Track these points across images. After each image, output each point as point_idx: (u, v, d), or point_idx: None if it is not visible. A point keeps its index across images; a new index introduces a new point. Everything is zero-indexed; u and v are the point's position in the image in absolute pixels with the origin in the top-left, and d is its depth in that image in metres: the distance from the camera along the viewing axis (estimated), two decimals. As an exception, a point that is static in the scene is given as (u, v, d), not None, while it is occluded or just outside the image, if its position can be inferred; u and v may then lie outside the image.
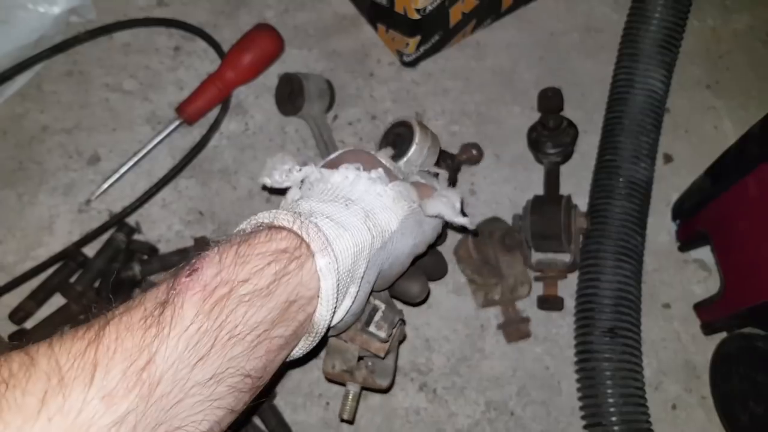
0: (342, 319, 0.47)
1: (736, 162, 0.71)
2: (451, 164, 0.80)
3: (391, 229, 0.48)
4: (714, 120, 0.92)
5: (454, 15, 0.85)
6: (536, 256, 0.80)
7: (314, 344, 0.45)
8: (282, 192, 0.53)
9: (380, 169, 0.51)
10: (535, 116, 0.84)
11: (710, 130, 0.91)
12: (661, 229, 0.85)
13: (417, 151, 0.62)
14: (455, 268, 0.81)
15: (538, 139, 0.82)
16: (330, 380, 0.61)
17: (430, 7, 0.80)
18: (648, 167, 0.81)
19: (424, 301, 0.64)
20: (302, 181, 0.51)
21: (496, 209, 0.84)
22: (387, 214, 0.48)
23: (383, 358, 0.57)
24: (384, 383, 0.59)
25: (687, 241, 0.83)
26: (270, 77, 0.90)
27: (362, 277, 0.46)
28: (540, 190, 0.82)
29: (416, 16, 0.80)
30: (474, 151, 0.83)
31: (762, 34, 0.99)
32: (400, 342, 0.62)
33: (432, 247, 0.59)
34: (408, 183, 0.54)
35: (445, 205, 0.52)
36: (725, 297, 0.74)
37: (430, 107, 0.90)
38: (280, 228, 0.41)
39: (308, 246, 0.41)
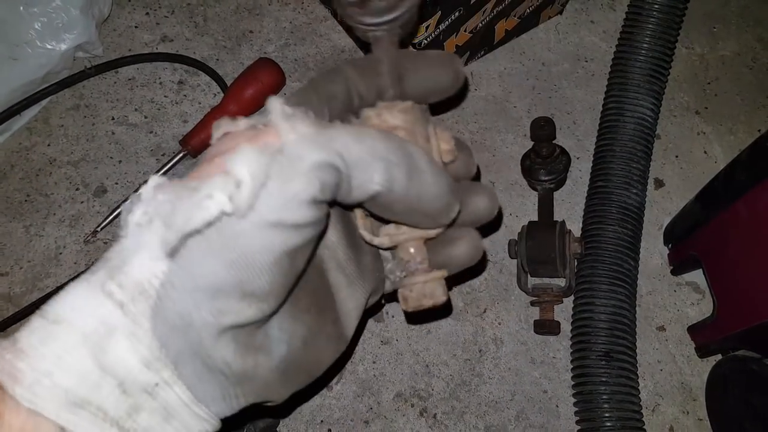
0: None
1: (725, 188, 0.73)
2: None
3: (159, 272, 0.28)
4: (704, 145, 0.94)
5: (449, 48, 0.88)
6: (532, 281, 0.82)
7: None
8: None
9: (153, 178, 0.28)
10: (529, 143, 0.86)
11: (700, 155, 0.94)
12: (654, 252, 0.87)
13: None
14: (451, 294, 0.83)
15: (531, 167, 0.84)
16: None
17: (424, 42, 0.83)
18: (639, 192, 0.83)
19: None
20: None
21: (492, 236, 0.86)
22: (142, 255, 0.27)
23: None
24: None
25: (679, 264, 0.84)
26: (271, 109, 0.92)
27: (162, 351, 0.28)
28: (534, 216, 0.84)
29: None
30: None
31: (748, 60, 1.02)
32: None
33: None
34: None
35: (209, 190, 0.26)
36: (718, 320, 0.76)
37: (426, 136, 0.92)
38: None
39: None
